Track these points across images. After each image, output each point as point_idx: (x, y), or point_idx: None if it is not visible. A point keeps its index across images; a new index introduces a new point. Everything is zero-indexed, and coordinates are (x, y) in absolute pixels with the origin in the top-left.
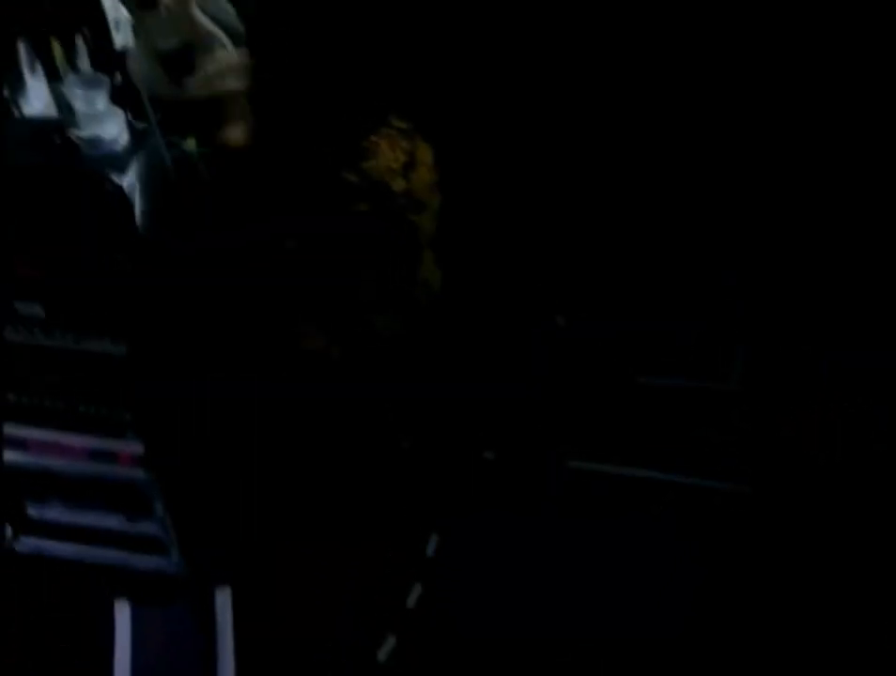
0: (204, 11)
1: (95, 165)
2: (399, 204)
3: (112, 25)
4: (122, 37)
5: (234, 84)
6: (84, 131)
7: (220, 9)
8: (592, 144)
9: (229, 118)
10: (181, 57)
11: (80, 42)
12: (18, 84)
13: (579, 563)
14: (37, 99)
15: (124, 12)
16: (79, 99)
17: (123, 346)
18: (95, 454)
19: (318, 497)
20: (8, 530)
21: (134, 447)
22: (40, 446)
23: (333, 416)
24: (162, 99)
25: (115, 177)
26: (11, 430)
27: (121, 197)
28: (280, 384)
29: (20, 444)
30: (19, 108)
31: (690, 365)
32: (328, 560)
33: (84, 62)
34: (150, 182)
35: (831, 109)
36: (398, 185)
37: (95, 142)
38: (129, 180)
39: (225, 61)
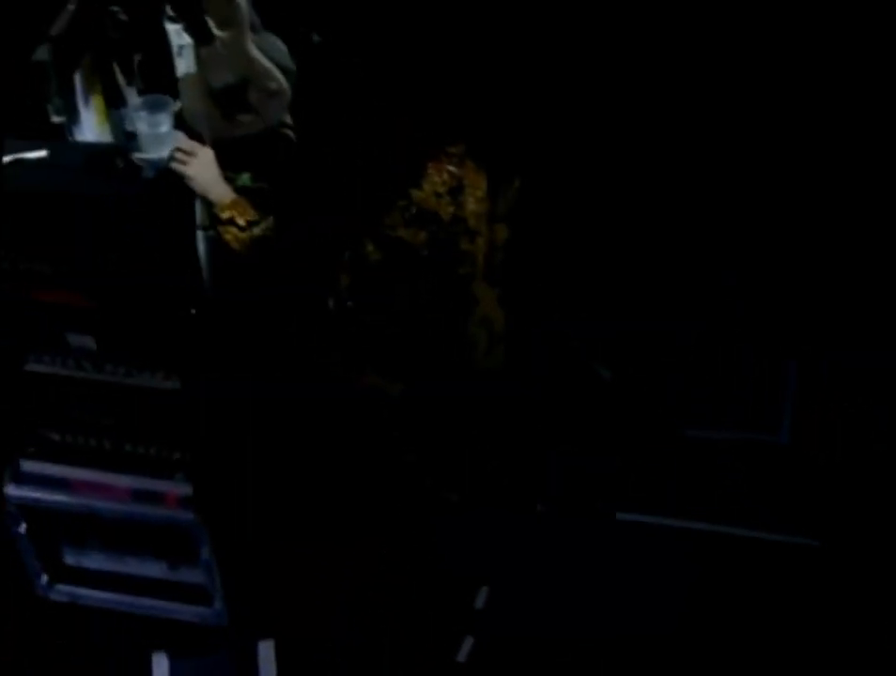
0: (258, 48)
1: (157, 189)
2: (449, 232)
3: (175, 52)
4: (185, 63)
5: (288, 119)
6: (148, 154)
7: (273, 47)
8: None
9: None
10: (235, 93)
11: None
12: (73, 114)
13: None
14: (88, 131)
15: (187, 39)
16: (143, 121)
17: (177, 382)
18: (140, 495)
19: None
20: (43, 578)
21: (182, 488)
22: (84, 486)
23: (336, 419)
24: (214, 135)
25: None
26: (54, 470)
27: (186, 226)
28: (337, 419)
29: (62, 484)
30: (72, 137)
31: (738, 417)
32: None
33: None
34: None
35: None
36: (446, 212)
37: (158, 164)
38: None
39: (280, 98)
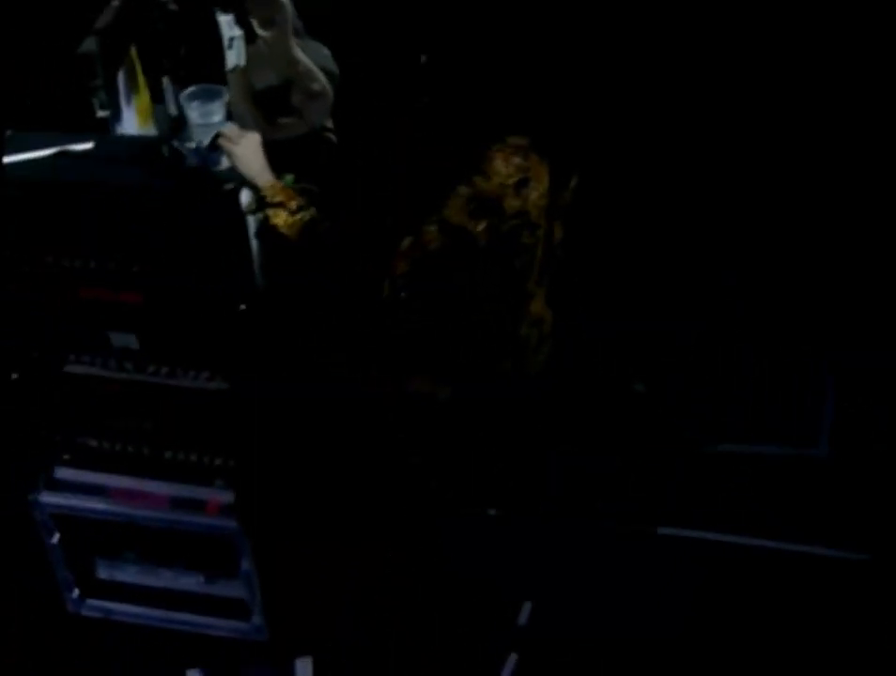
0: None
1: (206, 178)
2: (511, 225)
3: (225, 43)
4: (235, 56)
5: (330, 123)
6: (197, 143)
7: (316, 50)
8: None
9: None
10: (278, 95)
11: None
12: (116, 109)
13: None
14: (130, 127)
15: (238, 31)
16: (195, 110)
17: (223, 382)
18: (180, 503)
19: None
20: (75, 592)
21: (224, 496)
22: (121, 494)
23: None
24: None
25: (226, 194)
26: (90, 477)
27: (235, 215)
28: (387, 429)
29: (98, 492)
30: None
31: (776, 430)
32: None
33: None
34: None
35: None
36: (511, 204)
37: (206, 153)
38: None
39: (323, 100)
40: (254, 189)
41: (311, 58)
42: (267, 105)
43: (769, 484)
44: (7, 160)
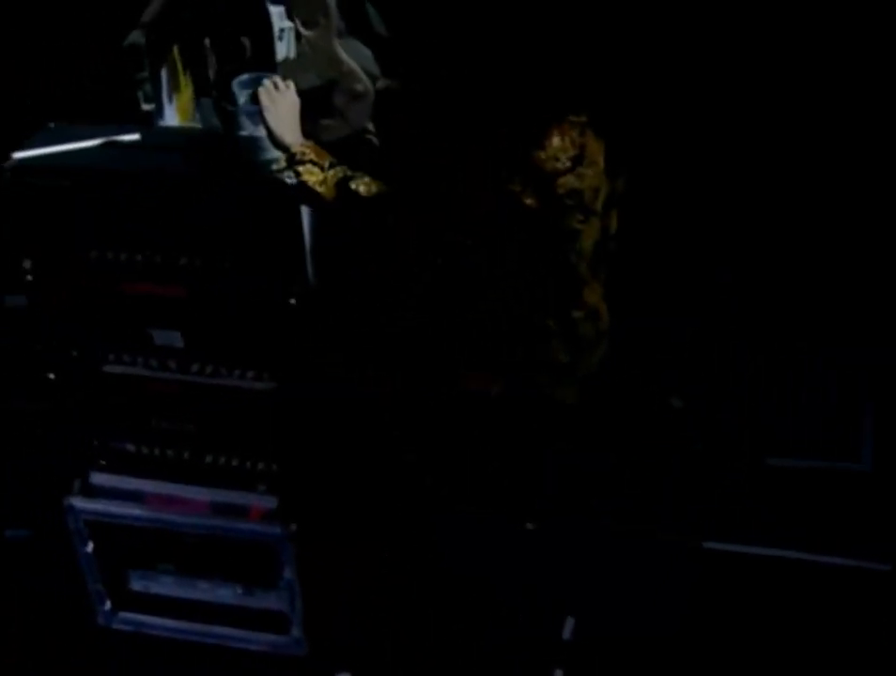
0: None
1: (258, 169)
2: (564, 205)
3: (276, 34)
4: (285, 47)
5: (371, 126)
6: (249, 132)
7: (357, 51)
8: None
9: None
10: (320, 96)
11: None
12: (160, 104)
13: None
14: (173, 121)
15: (288, 23)
16: (246, 98)
17: (270, 382)
18: (221, 509)
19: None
20: (107, 605)
21: (267, 501)
22: (159, 500)
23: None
24: None
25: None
26: (128, 482)
27: (288, 207)
28: (445, 428)
29: (136, 498)
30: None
31: (818, 444)
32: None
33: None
34: None
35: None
36: (565, 182)
37: (259, 142)
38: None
39: (365, 101)
40: (284, 147)
41: (353, 59)
42: (309, 106)
43: (812, 498)
44: (49, 150)
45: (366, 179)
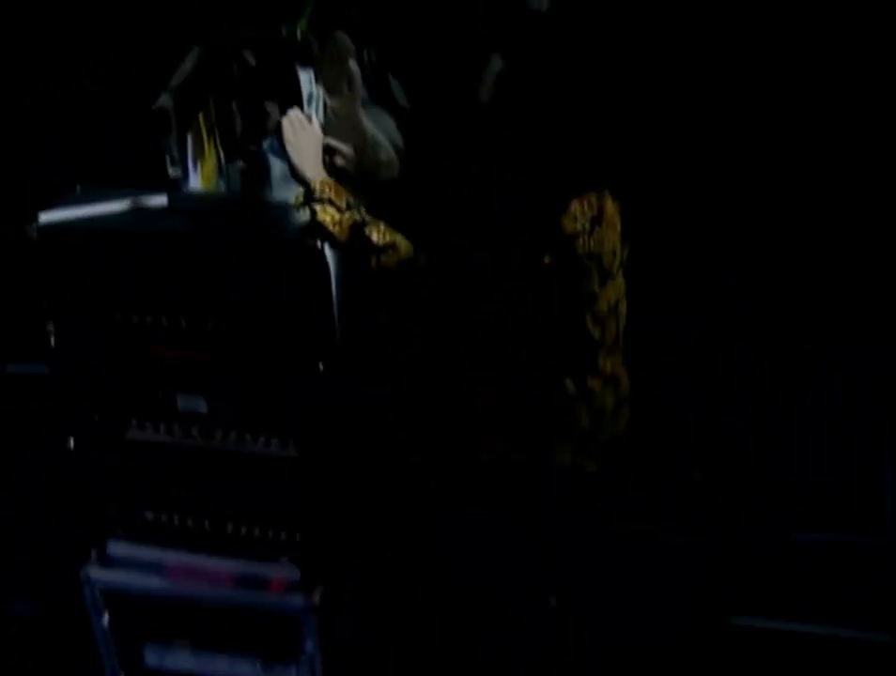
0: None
1: (286, 231)
2: (582, 267)
3: (304, 99)
4: (313, 112)
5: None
6: (280, 195)
7: (381, 120)
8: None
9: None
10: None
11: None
12: (185, 170)
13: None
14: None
15: (316, 88)
16: (275, 162)
17: (294, 449)
18: (242, 581)
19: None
20: None
21: (289, 572)
22: (179, 571)
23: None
24: None
25: (311, 245)
26: (147, 552)
27: (317, 270)
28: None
29: (155, 569)
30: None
31: (840, 517)
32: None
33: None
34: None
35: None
36: (582, 241)
37: (290, 206)
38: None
39: (389, 169)
40: (304, 182)
41: (376, 127)
42: (333, 173)
43: (840, 571)
44: (76, 212)
45: (381, 227)
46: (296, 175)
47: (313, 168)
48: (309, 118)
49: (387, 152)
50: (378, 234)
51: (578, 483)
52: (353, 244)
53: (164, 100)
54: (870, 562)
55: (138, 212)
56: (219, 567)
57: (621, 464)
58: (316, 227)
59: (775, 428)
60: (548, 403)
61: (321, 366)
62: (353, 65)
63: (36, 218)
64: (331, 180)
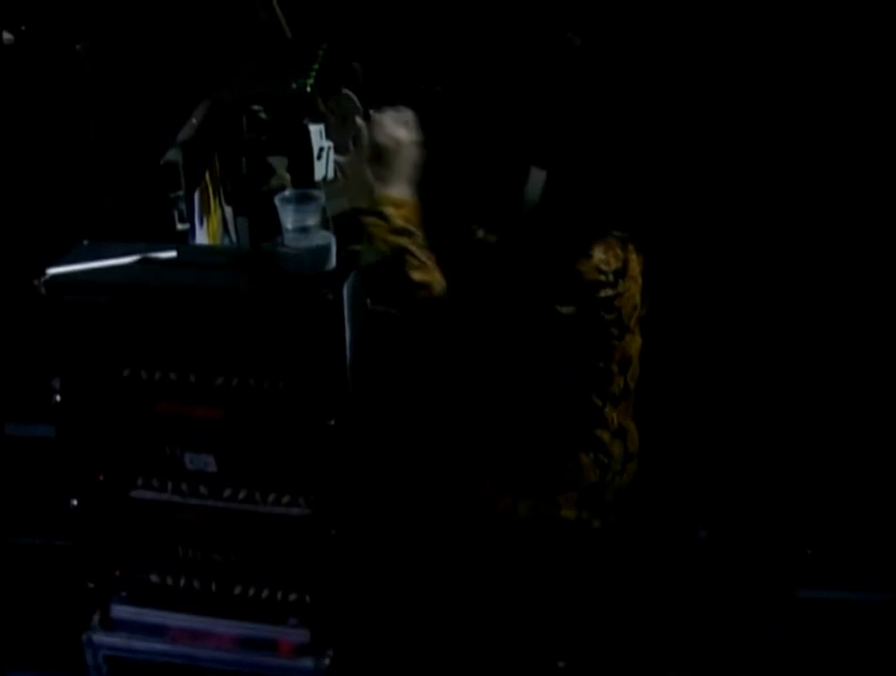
0: None
1: (301, 282)
2: (604, 320)
3: (315, 154)
4: (324, 167)
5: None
6: (292, 248)
7: None
8: None
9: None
10: (350, 221)
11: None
12: (192, 226)
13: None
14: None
15: (328, 142)
16: (290, 213)
17: (306, 508)
18: (249, 644)
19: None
20: None
21: (298, 634)
22: (184, 634)
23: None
24: None
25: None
26: (151, 615)
27: (331, 322)
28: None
29: (159, 632)
30: None
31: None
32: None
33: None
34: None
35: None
36: (604, 292)
37: (302, 256)
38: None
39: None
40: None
41: None
42: (338, 231)
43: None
44: (84, 266)
45: (427, 266)
46: (360, 185)
47: (400, 185)
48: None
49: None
50: (418, 273)
51: (583, 541)
52: (391, 271)
53: (173, 154)
54: (880, 623)
55: (147, 265)
56: (225, 630)
57: (626, 520)
58: (357, 235)
59: (783, 486)
60: (554, 454)
61: (333, 421)
62: (360, 122)
63: (44, 272)
64: (414, 202)
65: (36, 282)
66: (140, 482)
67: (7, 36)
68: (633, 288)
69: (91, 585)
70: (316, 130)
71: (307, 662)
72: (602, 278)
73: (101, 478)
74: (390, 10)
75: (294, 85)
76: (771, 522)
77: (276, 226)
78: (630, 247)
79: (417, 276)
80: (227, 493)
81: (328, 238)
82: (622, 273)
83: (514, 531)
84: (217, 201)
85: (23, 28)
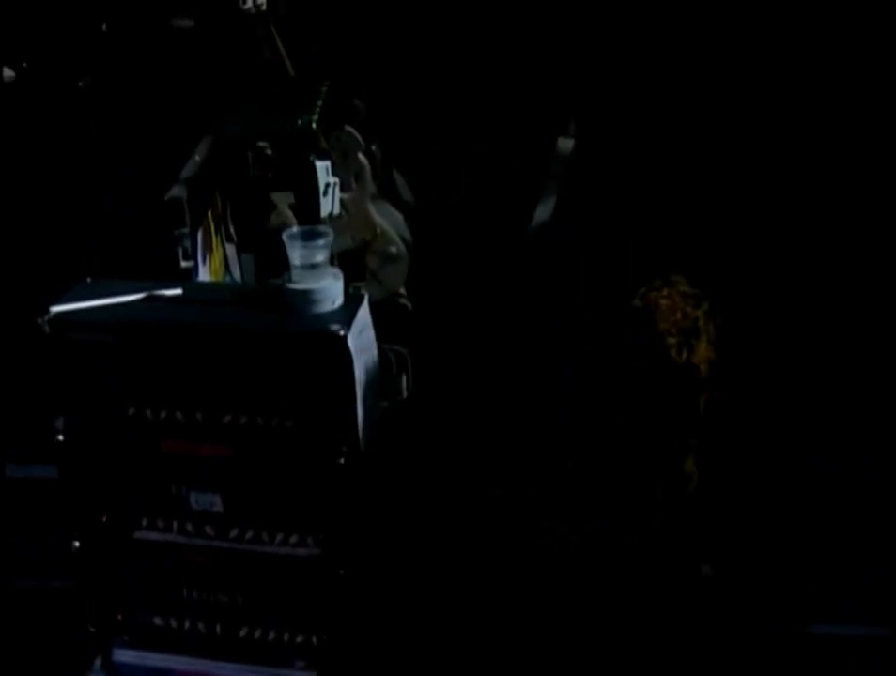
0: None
1: (310, 319)
2: (677, 379)
3: (321, 190)
4: (329, 203)
5: (402, 289)
6: (300, 285)
7: (390, 214)
8: None
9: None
10: (354, 259)
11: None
12: (195, 264)
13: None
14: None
15: (333, 178)
16: (297, 250)
17: (315, 548)
18: None
19: None
20: None
21: None
22: None
23: None
24: None
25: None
26: (154, 659)
27: (340, 358)
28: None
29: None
30: None
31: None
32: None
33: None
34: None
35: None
36: (676, 354)
37: (310, 295)
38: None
39: (400, 264)
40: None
41: (386, 222)
42: (343, 268)
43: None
44: (87, 304)
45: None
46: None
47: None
48: None
49: (397, 246)
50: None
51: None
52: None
53: (178, 191)
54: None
55: (152, 303)
56: (231, 673)
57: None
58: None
59: (787, 523)
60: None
61: (342, 460)
62: (362, 159)
63: (47, 310)
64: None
65: (39, 320)
66: (144, 522)
67: (8, 73)
68: (706, 348)
69: (93, 629)
70: (322, 167)
71: None
72: (673, 341)
73: (104, 519)
74: (391, 47)
75: (300, 122)
76: (777, 553)
77: (282, 263)
78: (705, 306)
79: None
80: (234, 533)
81: (336, 275)
82: (694, 331)
83: (536, 568)
84: (219, 238)
85: (24, 65)
